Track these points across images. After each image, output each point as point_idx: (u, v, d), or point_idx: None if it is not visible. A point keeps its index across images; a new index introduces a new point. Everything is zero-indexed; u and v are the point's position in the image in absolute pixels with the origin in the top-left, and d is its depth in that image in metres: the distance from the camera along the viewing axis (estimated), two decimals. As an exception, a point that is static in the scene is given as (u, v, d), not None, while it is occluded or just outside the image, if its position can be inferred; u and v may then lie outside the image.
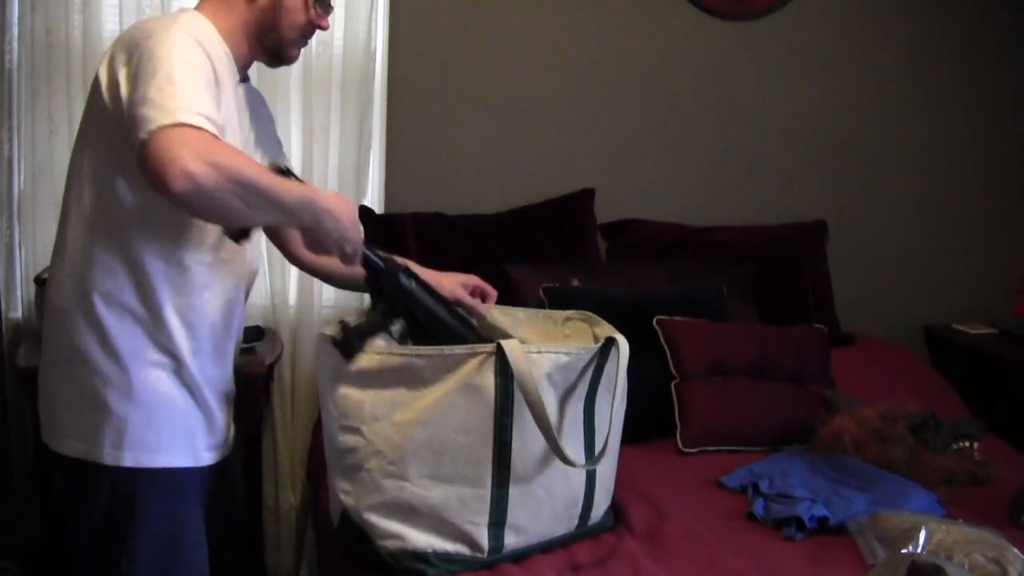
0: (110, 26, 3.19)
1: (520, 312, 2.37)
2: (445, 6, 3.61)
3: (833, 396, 3.01)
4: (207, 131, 1.65)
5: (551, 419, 2.03)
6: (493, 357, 1.99)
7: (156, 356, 1.91)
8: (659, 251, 3.70)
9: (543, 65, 3.72)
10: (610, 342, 2.18)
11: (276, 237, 2.33)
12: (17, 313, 3.25)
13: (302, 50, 2.14)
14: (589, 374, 2.16)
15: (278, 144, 2.27)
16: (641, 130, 3.85)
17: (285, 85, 3.31)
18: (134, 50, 1.75)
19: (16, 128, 3.15)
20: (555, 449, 2.01)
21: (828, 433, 2.79)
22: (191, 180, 1.59)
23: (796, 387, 3.04)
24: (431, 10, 3.59)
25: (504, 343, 1.99)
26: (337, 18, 3.37)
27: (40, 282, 3.04)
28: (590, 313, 2.34)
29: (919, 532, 2.18)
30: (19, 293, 3.24)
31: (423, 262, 3.36)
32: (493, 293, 2.36)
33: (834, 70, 3.96)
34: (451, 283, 2.29)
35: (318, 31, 2.07)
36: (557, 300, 3.17)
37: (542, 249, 3.54)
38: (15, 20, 3.10)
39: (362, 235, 1.93)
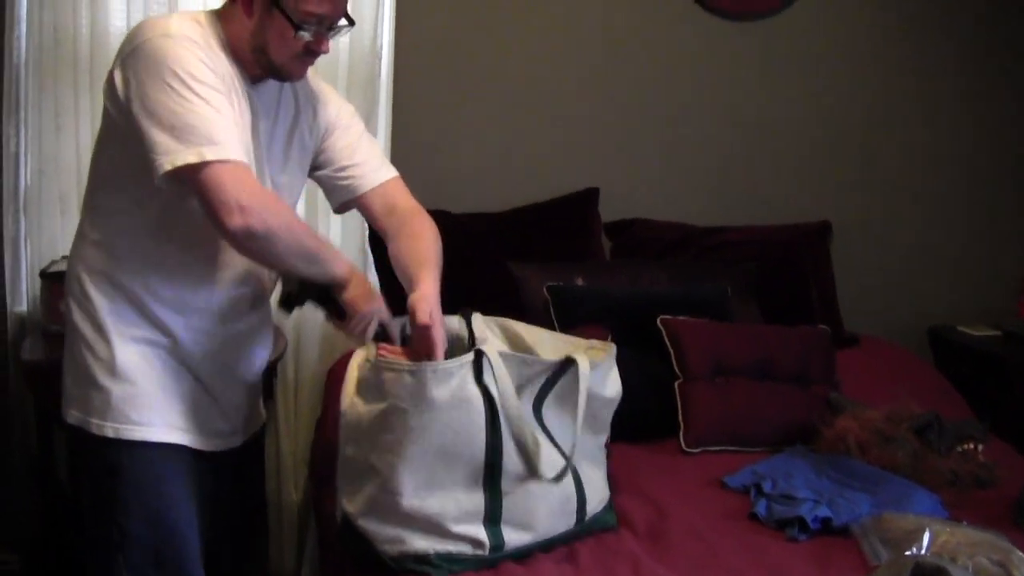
0: (117, 22, 3.20)
1: (546, 334, 2.35)
2: (451, 6, 3.61)
3: (837, 397, 3.00)
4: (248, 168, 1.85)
5: (531, 424, 2.06)
6: (474, 365, 2.01)
7: (147, 334, 1.97)
8: (663, 251, 3.70)
9: (548, 65, 3.73)
10: (570, 362, 2.15)
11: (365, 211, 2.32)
12: (22, 307, 3.26)
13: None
14: (540, 382, 2.15)
15: (309, 132, 2.20)
16: (646, 130, 3.85)
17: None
18: (135, 59, 1.83)
19: (23, 123, 3.15)
20: (530, 464, 2.00)
21: (832, 434, 2.78)
22: (247, 230, 1.78)
23: (799, 388, 3.04)
24: (436, 10, 3.59)
25: (486, 349, 2.00)
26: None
27: (45, 276, 3.04)
28: (612, 345, 2.33)
29: (923, 534, 2.18)
30: (24, 287, 3.25)
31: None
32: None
33: (839, 71, 3.96)
34: None
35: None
36: (561, 299, 3.17)
37: (546, 248, 3.54)
38: (23, 16, 3.11)
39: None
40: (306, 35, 1.93)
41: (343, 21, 1.99)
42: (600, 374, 2.21)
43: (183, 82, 1.78)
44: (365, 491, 2.05)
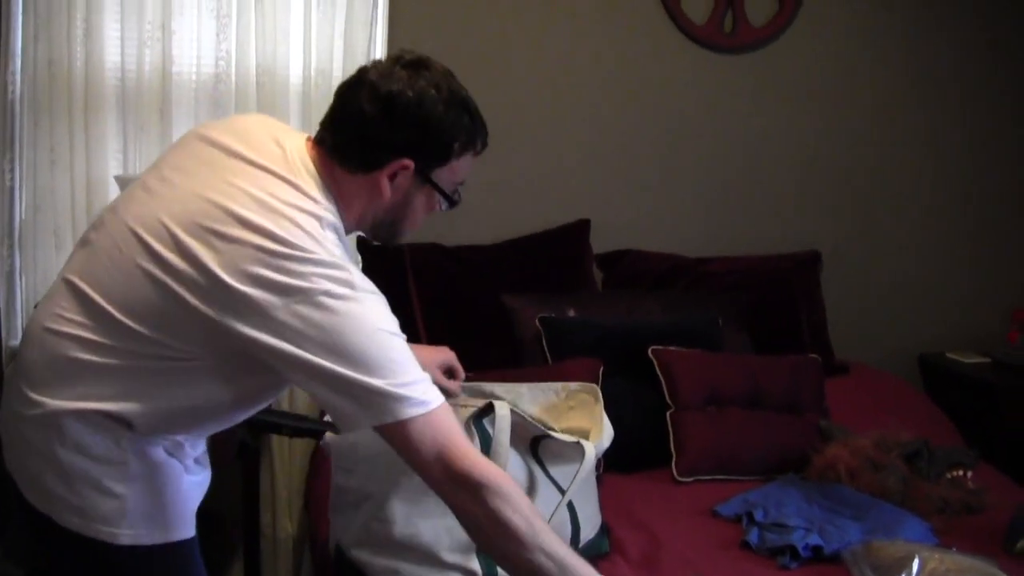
0: (112, 57, 3.22)
1: (523, 387, 2.36)
2: (441, 38, 3.64)
3: (827, 425, 3.02)
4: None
5: (522, 478, 2.07)
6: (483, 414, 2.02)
7: (156, 442, 1.81)
8: (654, 281, 3.72)
9: (539, 97, 3.76)
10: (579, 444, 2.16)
11: None
12: (16, 341, 3.26)
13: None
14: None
15: None
16: (637, 161, 3.88)
17: (284, 116, 3.34)
18: (314, 307, 1.60)
19: (18, 158, 3.16)
20: None
21: (822, 462, 2.80)
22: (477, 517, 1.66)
23: (790, 416, 3.06)
24: (427, 42, 3.60)
25: (498, 404, 2.01)
26: (336, 49, 3.41)
27: (40, 310, 3.05)
28: (595, 387, 2.35)
29: (912, 561, 2.19)
30: (19, 321, 3.25)
31: (420, 292, 3.38)
32: (461, 374, 2.28)
33: (827, 102, 4.00)
34: (425, 361, 2.24)
35: None
36: (553, 330, 3.19)
37: (539, 279, 3.56)
38: (18, 51, 3.13)
39: None
40: (450, 204, 1.92)
41: None
42: (599, 447, 2.22)
43: (392, 333, 1.67)
44: (357, 520, 2.06)
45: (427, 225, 3.57)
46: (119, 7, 3.21)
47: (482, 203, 3.73)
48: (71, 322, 1.70)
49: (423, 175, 1.79)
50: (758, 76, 3.92)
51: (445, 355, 2.25)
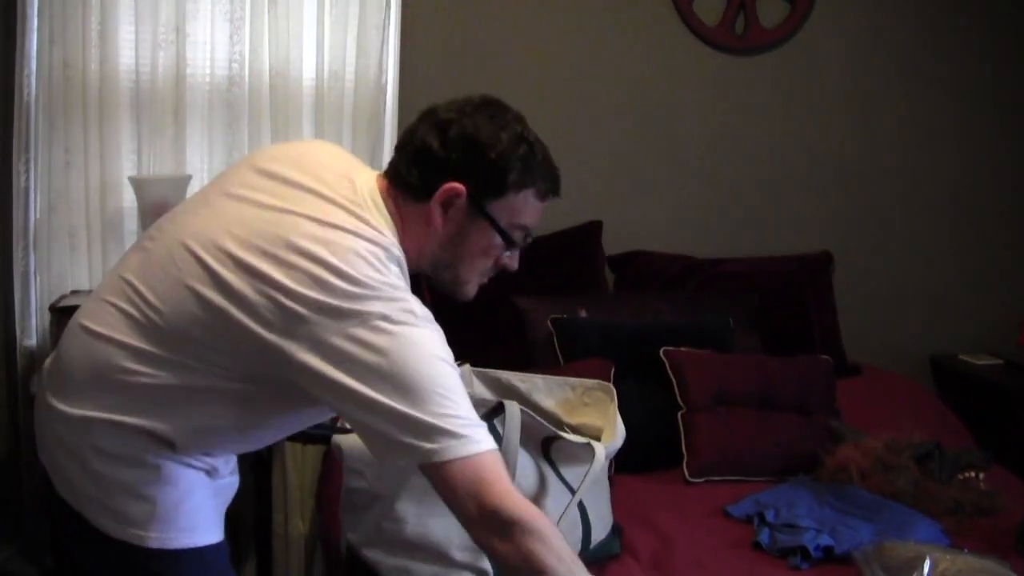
0: (126, 60, 3.24)
1: (539, 379, 2.36)
2: (455, 41, 3.66)
3: (839, 426, 3.02)
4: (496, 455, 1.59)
5: (532, 478, 2.07)
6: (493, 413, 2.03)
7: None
8: (666, 283, 3.73)
9: (551, 99, 3.76)
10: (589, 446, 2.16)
11: None
12: (31, 341, 3.28)
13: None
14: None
15: None
16: (649, 163, 3.89)
17: (297, 118, 3.37)
18: (350, 320, 1.54)
19: (33, 159, 3.18)
20: None
21: (834, 463, 2.80)
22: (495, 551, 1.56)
23: (801, 418, 3.06)
24: (441, 45, 3.64)
25: (508, 404, 2.01)
26: (348, 52, 3.42)
27: (54, 310, 3.07)
28: (610, 386, 2.35)
29: (924, 562, 2.19)
30: (34, 321, 3.27)
31: (432, 293, 3.40)
32: None
33: (839, 103, 4.01)
34: None
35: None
36: (565, 331, 3.20)
37: (550, 280, 3.56)
38: (33, 53, 3.15)
39: None
40: (511, 253, 1.78)
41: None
42: (612, 447, 2.23)
43: (449, 364, 1.59)
44: (369, 520, 2.07)
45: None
46: (133, 10, 3.23)
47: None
48: (121, 323, 1.68)
49: (477, 206, 1.71)
50: (769, 78, 3.92)
51: None
